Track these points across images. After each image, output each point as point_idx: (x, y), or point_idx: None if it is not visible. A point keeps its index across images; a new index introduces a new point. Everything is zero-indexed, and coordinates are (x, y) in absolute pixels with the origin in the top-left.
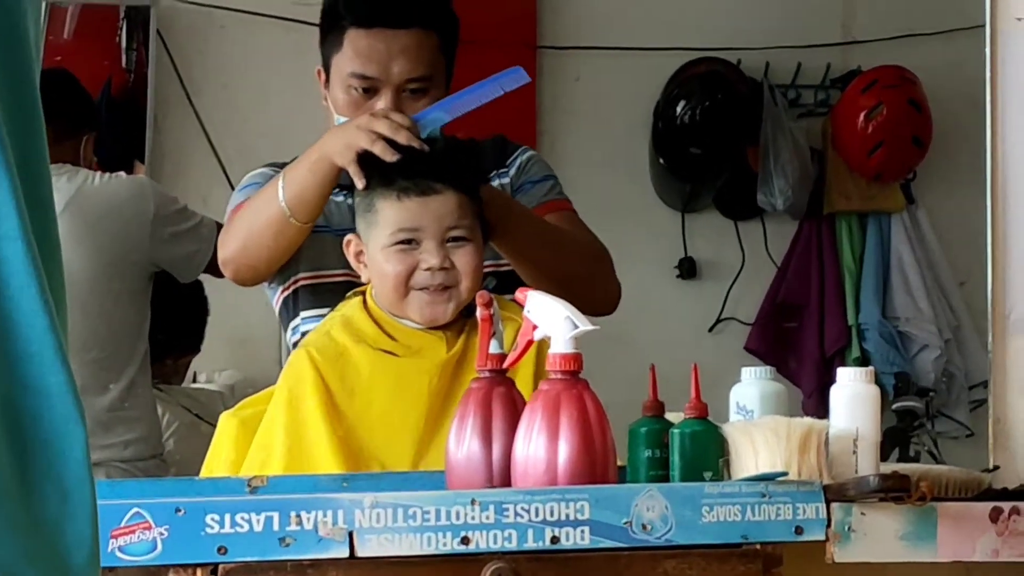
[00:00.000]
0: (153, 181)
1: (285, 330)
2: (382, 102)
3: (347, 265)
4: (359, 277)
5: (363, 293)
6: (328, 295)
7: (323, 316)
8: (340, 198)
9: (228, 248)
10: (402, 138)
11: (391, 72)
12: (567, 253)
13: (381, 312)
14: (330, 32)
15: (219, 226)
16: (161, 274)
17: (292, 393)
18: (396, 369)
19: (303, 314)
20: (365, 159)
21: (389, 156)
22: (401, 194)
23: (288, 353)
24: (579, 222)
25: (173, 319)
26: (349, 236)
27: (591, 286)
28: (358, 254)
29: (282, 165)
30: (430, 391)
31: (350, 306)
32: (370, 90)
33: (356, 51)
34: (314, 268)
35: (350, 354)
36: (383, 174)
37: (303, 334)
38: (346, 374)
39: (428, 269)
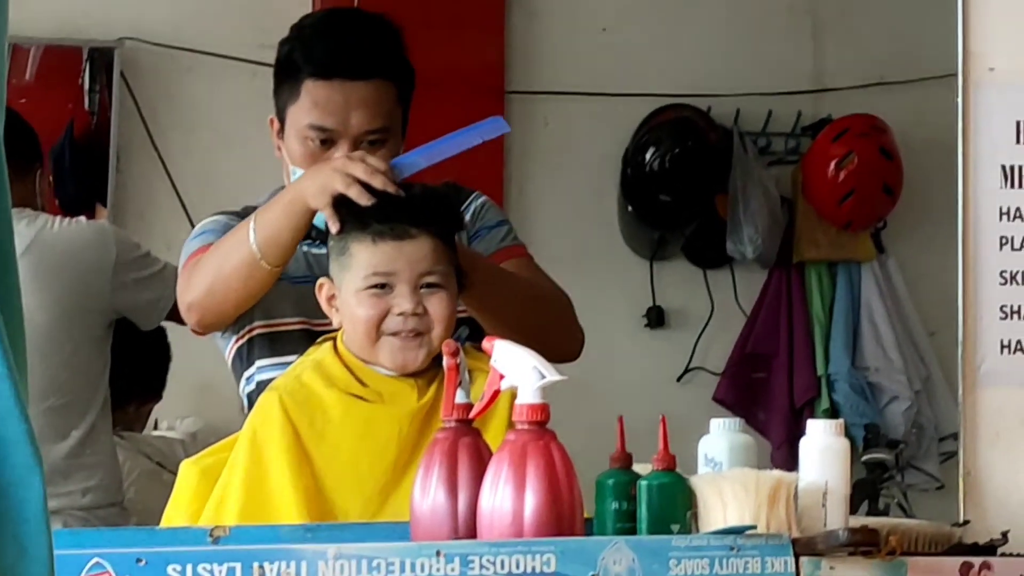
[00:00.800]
0: (115, 227)
1: (238, 380)
2: (339, 153)
3: (303, 313)
4: (316, 325)
5: (334, 338)
6: (285, 344)
7: (280, 365)
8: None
9: (193, 292)
10: (378, 183)
11: (349, 124)
12: (529, 303)
13: (352, 357)
14: (286, 82)
15: None
16: (122, 320)
17: (257, 435)
18: (366, 415)
19: (259, 363)
20: (340, 202)
21: (364, 200)
22: (376, 238)
23: (247, 403)
24: (537, 268)
25: (135, 365)
26: (322, 280)
27: (554, 334)
28: (330, 298)
29: (235, 213)
30: (400, 439)
31: (321, 351)
32: (327, 141)
33: (313, 102)
34: (269, 317)
35: (320, 398)
36: (358, 218)
37: (259, 384)
38: (315, 418)
39: (401, 314)
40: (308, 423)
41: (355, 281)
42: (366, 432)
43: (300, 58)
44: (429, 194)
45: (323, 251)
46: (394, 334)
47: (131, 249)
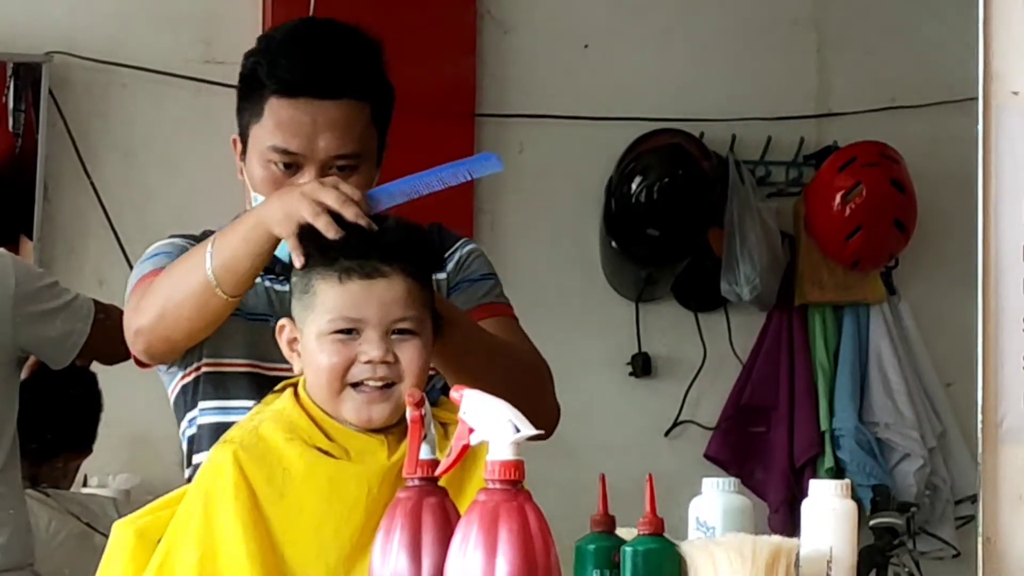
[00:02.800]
0: (12, 254)
1: (180, 421)
2: (305, 179)
3: (254, 355)
4: (268, 369)
5: (295, 385)
6: (229, 387)
7: (223, 410)
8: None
9: (142, 318)
10: (350, 214)
11: (317, 147)
12: (504, 369)
13: (316, 408)
14: (249, 99)
15: (99, 305)
16: (47, 366)
17: (208, 496)
18: (332, 472)
19: (201, 405)
20: (305, 233)
21: (332, 233)
22: (343, 276)
23: (186, 447)
24: (519, 331)
25: (62, 415)
26: (283, 321)
27: (526, 408)
28: (291, 341)
29: (192, 236)
30: (368, 501)
31: (282, 400)
32: (292, 166)
33: (277, 122)
34: (217, 355)
35: (281, 452)
36: (323, 252)
37: (199, 428)
38: (275, 475)
39: (368, 362)
40: (266, 480)
41: (319, 323)
42: (331, 492)
43: (264, 73)
44: (404, 228)
45: (286, 288)
46: (359, 384)
47: (33, 279)
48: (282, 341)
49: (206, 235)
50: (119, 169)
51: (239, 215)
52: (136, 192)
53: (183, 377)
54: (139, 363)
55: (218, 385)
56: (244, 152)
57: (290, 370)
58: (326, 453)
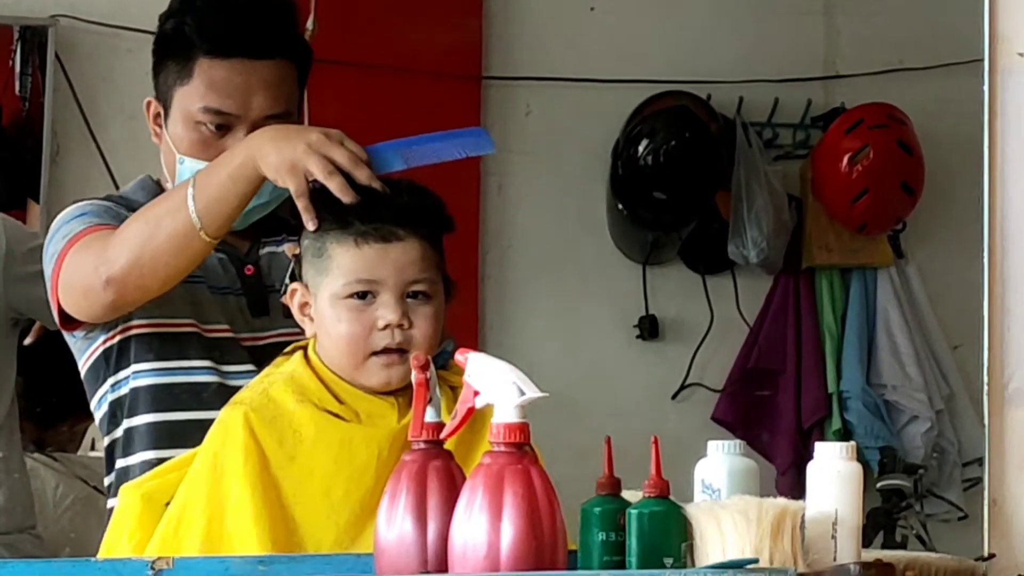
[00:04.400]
0: (5, 215)
1: (97, 387)
2: (233, 141)
3: (194, 316)
4: (206, 331)
5: (304, 348)
6: (171, 347)
7: (164, 371)
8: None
9: (113, 266)
10: (362, 176)
11: (250, 107)
12: None
13: (326, 370)
14: (171, 59)
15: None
16: (55, 331)
17: (218, 458)
18: (342, 435)
19: (134, 367)
20: (317, 193)
21: (348, 197)
22: (359, 239)
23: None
24: None
25: (67, 379)
26: (294, 285)
27: None
28: (303, 305)
29: (104, 199)
30: (379, 463)
31: (292, 362)
32: (223, 127)
33: (210, 83)
34: (152, 316)
35: (292, 415)
36: (337, 214)
37: (134, 391)
38: (286, 438)
39: (386, 327)
40: (277, 443)
41: (333, 287)
42: (342, 455)
43: (193, 33)
44: (417, 191)
45: (279, 249)
46: (380, 352)
47: (24, 240)
48: (293, 305)
49: (116, 200)
50: (125, 132)
51: (147, 180)
52: (142, 155)
53: (106, 341)
54: (64, 326)
55: (157, 346)
56: (165, 115)
57: (229, 331)
58: (337, 416)
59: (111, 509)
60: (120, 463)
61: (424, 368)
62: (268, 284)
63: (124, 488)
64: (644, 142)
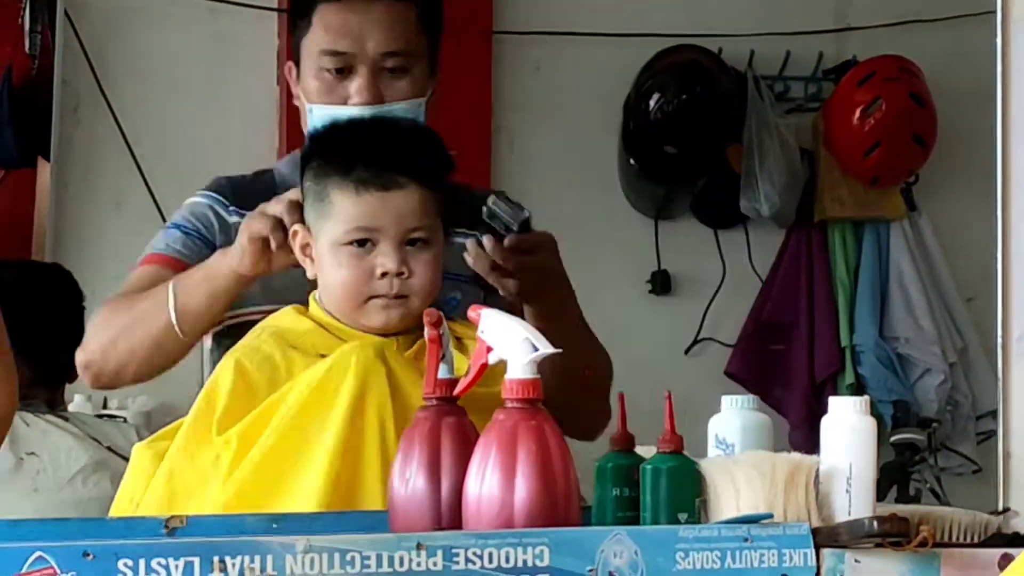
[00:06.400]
0: None
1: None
2: (357, 82)
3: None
4: None
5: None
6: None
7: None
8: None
9: (91, 347)
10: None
11: (366, 46)
12: (589, 357)
13: (323, 314)
14: (298, 16)
15: None
16: (70, 284)
17: (208, 398)
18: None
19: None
20: (319, 143)
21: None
22: (360, 187)
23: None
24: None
25: (76, 339)
26: (296, 226)
27: (596, 403)
28: (304, 246)
29: (216, 192)
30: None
31: (280, 317)
32: (343, 70)
33: (327, 26)
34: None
35: (282, 360)
36: (339, 161)
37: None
38: (278, 380)
39: (385, 274)
40: (268, 384)
41: (334, 233)
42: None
43: None
44: (418, 135)
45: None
46: (378, 296)
47: None
48: (296, 246)
49: (223, 186)
50: (136, 91)
51: (293, 155)
52: (153, 114)
53: None
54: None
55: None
56: (299, 74)
57: None
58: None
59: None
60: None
61: (437, 324)
62: None
63: (137, 447)
64: (655, 96)
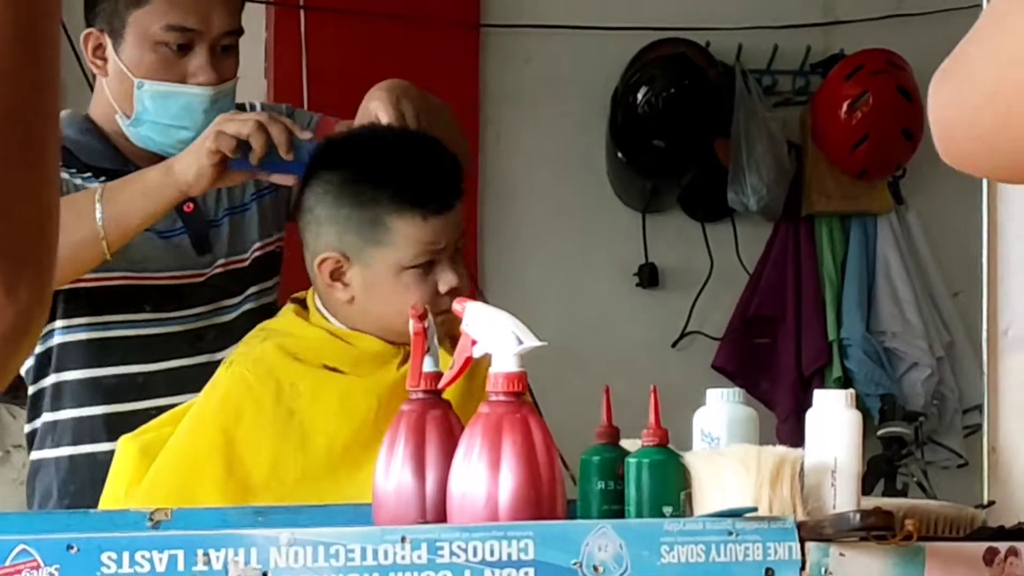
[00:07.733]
0: None
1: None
2: (197, 60)
3: (127, 267)
4: (150, 278)
5: (299, 302)
6: (101, 301)
7: (92, 325)
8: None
9: None
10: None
11: (211, 23)
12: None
13: (327, 322)
14: None
15: None
16: None
17: (213, 416)
18: (341, 388)
19: (63, 322)
20: (363, 166)
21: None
22: (428, 214)
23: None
24: None
25: None
26: (326, 254)
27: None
28: (335, 272)
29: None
30: (378, 414)
31: (282, 321)
32: (185, 46)
33: (172, 0)
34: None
35: (288, 370)
36: (402, 191)
37: (61, 345)
38: (283, 392)
39: (449, 291)
40: (274, 399)
41: (398, 257)
42: (343, 408)
43: None
44: (450, 157)
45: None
46: (441, 312)
47: None
48: (323, 273)
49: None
50: None
51: (86, 118)
52: None
53: None
54: None
55: (85, 301)
56: (115, 43)
57: (173, 276)
58: (334, 370)
59: (35, 461)
60: (48, 416)
61: (422, 317)
62: (211, 219)
63: (123, 440)
64: (643, 89)
